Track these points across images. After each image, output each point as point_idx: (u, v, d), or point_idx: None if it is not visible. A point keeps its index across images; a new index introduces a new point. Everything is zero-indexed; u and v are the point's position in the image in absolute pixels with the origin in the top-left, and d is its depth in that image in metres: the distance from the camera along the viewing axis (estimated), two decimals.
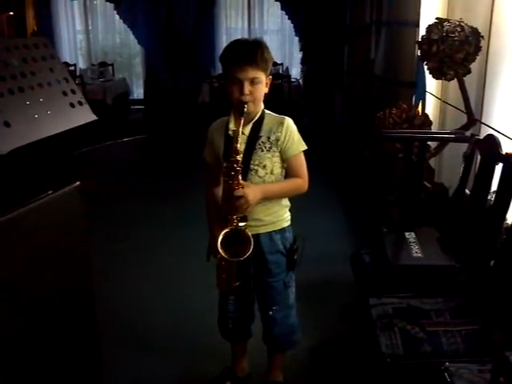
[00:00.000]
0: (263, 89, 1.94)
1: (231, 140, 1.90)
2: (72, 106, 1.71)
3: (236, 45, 1.96)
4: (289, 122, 1.99)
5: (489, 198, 2.29)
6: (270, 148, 1.97)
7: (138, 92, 9.91)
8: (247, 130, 1.96)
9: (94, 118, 1.76)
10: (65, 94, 1.71)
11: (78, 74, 8.47)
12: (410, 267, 2.31)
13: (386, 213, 3.65)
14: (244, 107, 1.88)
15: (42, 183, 1.57)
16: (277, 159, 1.99)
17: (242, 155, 1.88)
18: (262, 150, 1.96)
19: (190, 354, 2.59)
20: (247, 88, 1.88)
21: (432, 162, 3.93)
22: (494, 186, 2.24)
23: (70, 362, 1.68)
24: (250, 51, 1.89)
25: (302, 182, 2.03)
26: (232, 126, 1.97)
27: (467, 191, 2.52)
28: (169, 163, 6.27)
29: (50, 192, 1.54)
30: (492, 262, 2.13)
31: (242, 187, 1.87)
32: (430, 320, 1.95)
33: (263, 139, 1.97)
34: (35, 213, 1.49)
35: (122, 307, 2.97)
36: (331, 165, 5.99)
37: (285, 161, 2.01)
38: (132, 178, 5.67)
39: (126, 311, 2.95)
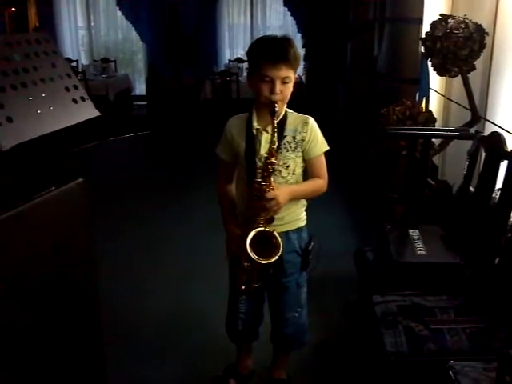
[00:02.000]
0: (291, 88, 1.90)
1: (253, 138, 1.88)
2: (75, 101, 1.69)
3: (268, 41, 1.89)
4: (313, 121, 1.97)
5: (493, 195, 2.27)
6: (295, 148, 1.93)
7: (141, 88, 9.89)
8: (270, 129, 1.89)
9: (96, 113, 1.74)
10: (67, 89, 1.70)
11: (80, 69, 8.47)
12: (413, 264, 2.30)
13: (390, 210, 3.63)
14: (275, 106, 1.83)
15: (45, 179, 1.56)
16: (299, 159, 1.96)
17: (263, 154, 1.86)
18: (287, 150, 1.92)
19: (193, 351, 2.59)
20: (279, 87, 1.83)
21: (436, 159, 3.91)
22: (499, 184, 2.22)
23: (73, 360, 1.68)
24: (284, 49, 1.83)
25: (323, 183, 2.01)
26: (256, 124, 1.93)
27: (471, 189, 2.51)
28: (171, 159, 6.26)
29: (52, 188, 1.53)
30: (497, 260, 2.12)
31: (273, 189, 1.85)
32: (435, 318, 1.95)
33: (288, 139, 1.93)
34: (38, 209, 1.48)
35: (125, 304, 2.96)
36: (335, 162, 5.95)
37: (306, 161, 1.97)
38: (135, 175, 5.67)
39: (128, 308, 2.94)
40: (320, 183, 2.00)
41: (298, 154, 1.95)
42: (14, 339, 1.45)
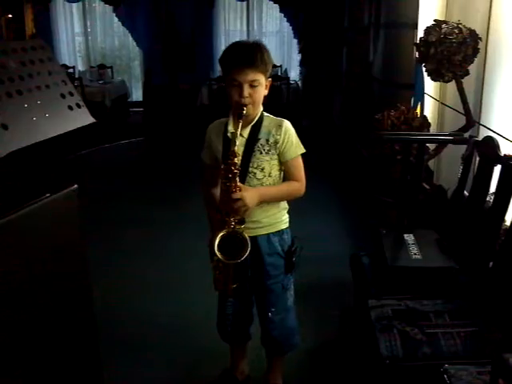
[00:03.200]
0: (262, 91, 1.94)
1: (229, 142, 1.90)
2: (70, 108, 1.70)
3: (236, 47, 1.95)
4: (287, 124, 1.99)
5: (487, 199, 2.29)
6: (269, 151, 1.96)
7: (137, 94, 9.92)
8: (246, 132, 1.95)
9: (92, 120, 1.75)
10: (63, 96, 1.70)
11: (76, 76, 8.48)
12: (408, 269, 2.31)
13: (385, 214, 3.64)
14: (243, 110, 1.88)
15: (40, 186, 1.57)
16: (275, 162, 1.99)
17: (240, 158, 1.88)
18: (261, 153, 1.96)
19: (189, 356, 2.59)
20: (246, 91, 1.88)
21: (431, 163, 3.93)
22: (493, 188, 2.24)
23: (69, 364, 1.68)
24: (250, 54, 1.88)
25: (299, 186, 2.03)
26: (230, 127, 1.97)
27: (466, 193, 2.52)
28: (167, 166, 6.27)
29: (47, 195, 1.54)
30: (491, 264, 2.14)
31: (240, 190, 1.87)
32: (429, 322, 1.95)
33: (262, 142, 1.96)
34: (32, 216, 1.48)
35: (120, 309, 2.97)
36: (330, 166, 5.99)
37: (283, 163, 2.00)
38: (131, 181, 5.67)
39: (124, 313, 2.94)
40: (296, 186, 2.02)
41: (273, 157, 1.97)
42: (8, 345, 1.45)
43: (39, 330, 1.55)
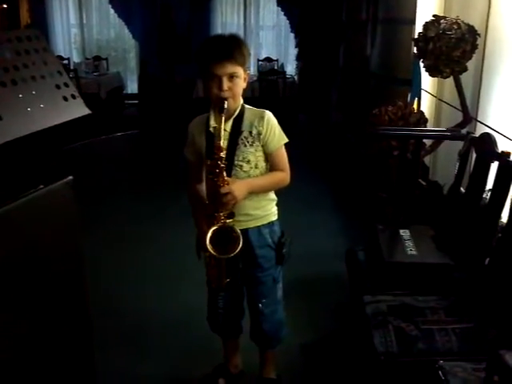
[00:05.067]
0: (242, 84, 1.94)
1: (213, 137, 1.90)
2: (65, 99, 1.68)
3: (212, 41, 1.97)
4: (269, 115, 1.99)
5: (484, 196, 2.29)
6: (253, 142, 1.96)
7: (133, 86, 9.86)
8: (228, 126, 1.95)
9: (87, 111, 1.73)
10: (58, 87, 1.68)
11: (72, 67, 8.43)
12: (404, 265, 2.31)
13: (381, 210, 3.64)
14: (224, 103, 1.87)
15: (34, 177, 1.55)
16: (260, 153, 1.99)
17: (225, 152, 1.88)
18: (245, 145, 1.96)
19: (182, 351, 2.58)
20: (226, 84, 1.88)
21: (426, 159, 3.93)
22: (489, 185, 2.24)
23: (61, 360, 1.67)
24: (228, 46, 1.89)
25: (284, 175, 2.03)
26: (213, 122, 1.96)
27: (462, 189, 2.52)
28: (163, 158, 6.24)
29: (41, 186, 1.52)
30: (487, 260, 2.13)
31: (228, 184, 1.87)
32: (425, 318, 1.95)
33: (245, 134, 1.96)
34: (26, 207, 1.47)
35: (114, 304, 2.95)
36: (326, 162, 5.98)
37: (267, 154, 2.00)
38: (125, 173, 5.65)
39: (117, 309, 2.93)
40: (281, 176, 2.03)
41: (258, 148, 1.98)
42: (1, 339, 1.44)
43: (31, 323, 1.54)
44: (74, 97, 1.71)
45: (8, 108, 1.48)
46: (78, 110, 1.71)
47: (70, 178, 1.61)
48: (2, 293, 1.42)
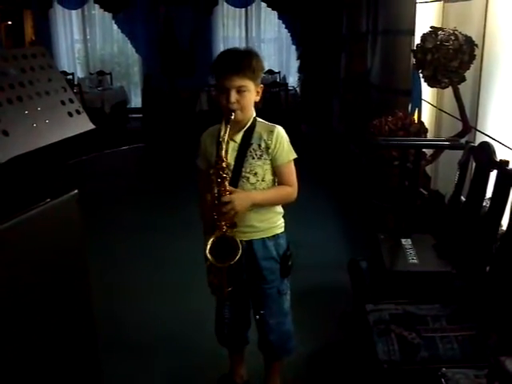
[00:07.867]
0: (251, 97, 1.96)
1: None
2: (70, 115, 1.72)
3: (225, 54, 2.00)
4: (279, 130, 2.01)
5: (484, 204, 2.30)
6: (261, 156, 1.99)
7: (136, 101, 9.92)
8: (238, 137, 1.98)
9: (91, 126, 1.77)
10: (63, 103, 1.72)
11: (76, 82, 8.50)
12: (406, 273, 2.32)
13: (383, 220, 3.66)
14: (231, 115, 1.91)
15: (40, 191, 1.58)
16: (268, 166, 2.01)
17: (231, 162, 1.92)
18: (253, 158, 1.99)
19: (187, 360, 2.60)
20: (233, 96, 1.91)
21: (428, 169, 3.95)
22: (489, 193, 2.25)
23: (68, 367, 1.69)
24: (237, 60, 1.92)
25: (291, 190, 2.05)
26: (222, 133, 1.99)
27: (463, 198, 2.54)
28: (167, 172, 6.28)
29: (47, 200, 1.55)
30: (487, 268, 2.15)
31: (230, 193, 1.89)
32: (427, 326, 1.96)
33: (254, 147, 1.99)
34: (33, 221, 1.50)
35: (120, 313, 2.98)
36: (328, 172, 6.01)
37: (275, 168, 2.02)
38: (130, 187, 5.68)
39: (123, 317, 2.95)
40: (288, 190, 2.04)
41: (266, 162, 2.00)
42: (8, 349, 1.46)
43: (38, 333, 1.56)
44: (78, 112, 1.75)
45: (14, 124, 1.52)
46: (83, 125, 1.74)
47: (76, 191, 1.64)
48: (8, 304, 1.44)
